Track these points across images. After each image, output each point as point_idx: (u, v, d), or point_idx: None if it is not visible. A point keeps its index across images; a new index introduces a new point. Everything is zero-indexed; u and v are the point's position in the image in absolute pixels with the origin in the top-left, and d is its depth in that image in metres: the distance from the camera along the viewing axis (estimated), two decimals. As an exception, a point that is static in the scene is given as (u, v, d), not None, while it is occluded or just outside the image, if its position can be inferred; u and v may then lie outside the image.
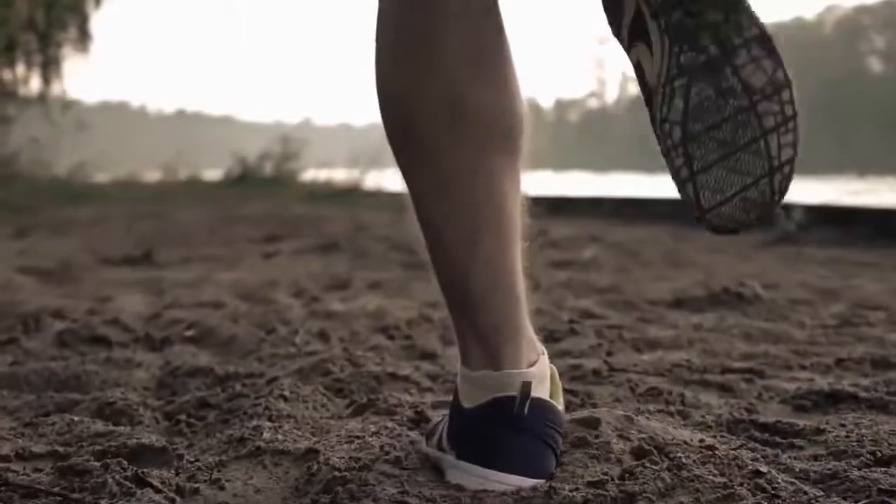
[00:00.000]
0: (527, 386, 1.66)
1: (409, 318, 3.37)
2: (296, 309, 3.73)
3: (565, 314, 3.46)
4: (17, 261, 5.99)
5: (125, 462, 1.71)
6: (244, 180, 18.86)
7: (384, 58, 1.70)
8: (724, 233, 1.63)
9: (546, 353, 1.77)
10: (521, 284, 1.75)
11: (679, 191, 1.64)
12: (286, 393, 2.19)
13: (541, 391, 1.69)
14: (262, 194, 15.55)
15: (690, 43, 1.60)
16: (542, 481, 1.63)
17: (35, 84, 22.44)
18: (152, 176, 22.02)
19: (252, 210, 12.21)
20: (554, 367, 1.79)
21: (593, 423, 1.86)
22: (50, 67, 22.34)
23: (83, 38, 22.82)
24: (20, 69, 22.42)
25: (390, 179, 15.65)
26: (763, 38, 1.60)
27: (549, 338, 3.00)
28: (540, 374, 1.70)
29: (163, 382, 2.54)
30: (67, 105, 22.08)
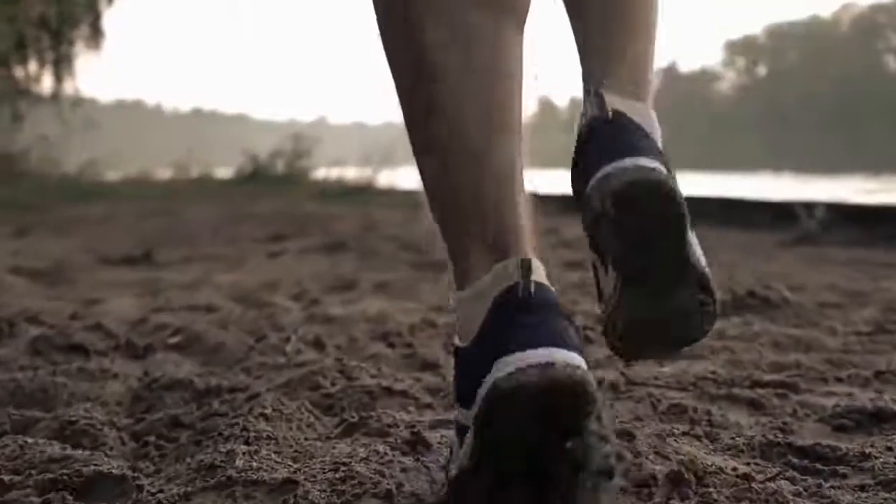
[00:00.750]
0: (527, 262, 1.48)
1: (412, 324, 3.13)
2: (293, 313, 3.50)
3: (578, 319, 3.22)
4: (11, 260, 5.78)
5: (70, 498, 1.49)
6: (255, 178, 18.67)
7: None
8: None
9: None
10: (524, 189, 1.61)
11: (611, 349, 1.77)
12: (268, 411, 1.96)
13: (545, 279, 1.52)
14: (273, 192, 15.35)
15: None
16: (579, 357, 1.40)
17: (47, 82, 22.34)
18: (164, 174, 21.89)
19: (261, 208, 12.00)
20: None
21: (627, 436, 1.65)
22: (62, 65, 22.20)
23: (96, 36, 22.69)
24: (32, 67, 22.34)
25: (403, 177, 15.49)
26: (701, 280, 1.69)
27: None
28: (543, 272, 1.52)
29: (138, 396, 2.31)
30: (77, 103, 21.97)
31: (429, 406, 2.16)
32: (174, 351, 2.84)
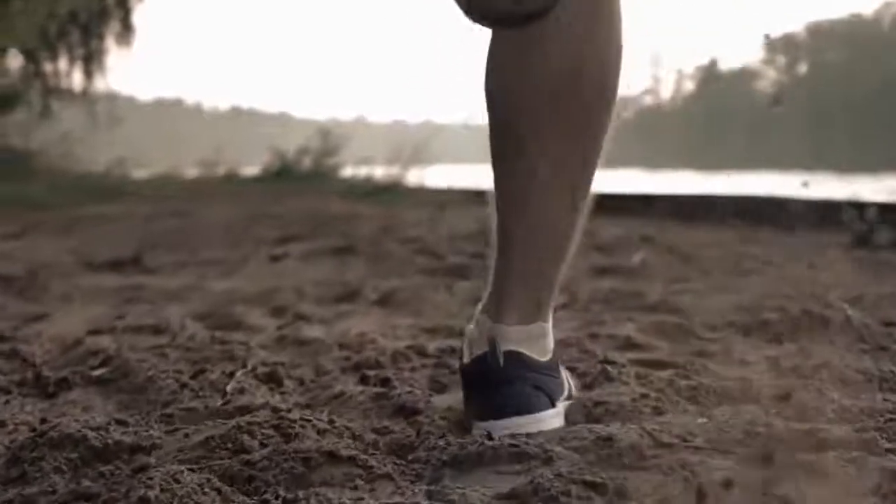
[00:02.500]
0: (491, 341, 1.85)
1: (397, 351, 2.57)
2: (262, 334, 2.96)
3: (600, 346, 2.65)
4: (-12, 264, 5.29)
5: None
6: (281, 176, 18.18)
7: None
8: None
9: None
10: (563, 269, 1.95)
11: None
12: (154, 492, 1.41)
13: (525, 348, 1.89)
14: (298, 191, 14.84)
15: None
16: (541, 414, 1.85)
17: (77, 78, 22.04)
18: (192, 172, 21.51)
19: (281, 208, 11.48)
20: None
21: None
22: (92, 61, 21.88)
23: (126, 31, 22.33)
24: (62, 63, 22.04)
25: (432, 175, 15.01)
26: None
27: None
28: (532, 335, 1.91)
29: (15, 458, 1.75)
30: (109, 99, 21.69)
31: (386, 477, 1.60)
32: (94, 387, 2.29)
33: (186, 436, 1.79)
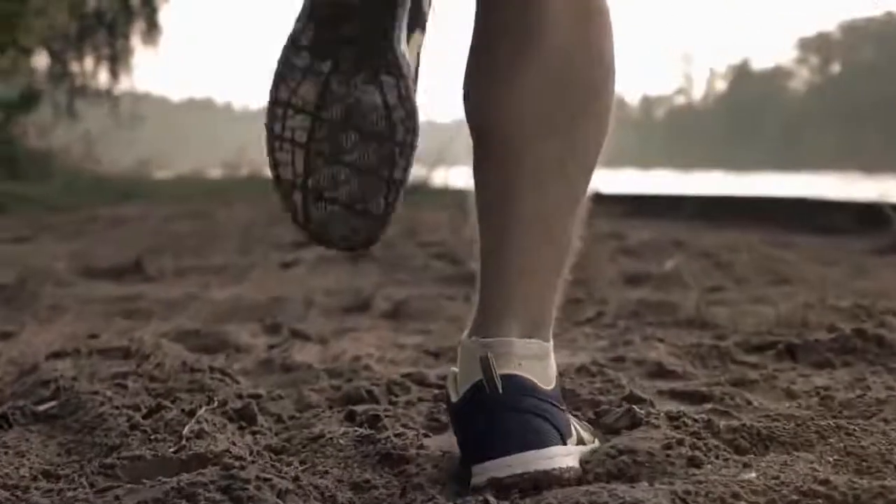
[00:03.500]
0: (485, 360, 1.59)
1: (392, 380, 2.23)
2: (251, 355, 2.64)
3: (625, 375, 2.31)
4: (-19, 270, 4.99)
5: None
6: (306, 177, 17.89)
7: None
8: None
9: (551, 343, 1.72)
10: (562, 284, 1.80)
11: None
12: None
13: (526, 371, 1.63)
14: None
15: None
16: (550, 450, 1.56)
17: (103, 78, 21.90)
18: (216, 173, 21.28)
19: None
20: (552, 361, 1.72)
21: None
22: (118, 61, 21.73)
23: (152, 31, 22.16)
24: (88, 62, 21.90)
25: (458, 176, 14.73)
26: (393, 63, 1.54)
27: (595, 423, 1.89)
28: (531, 353, 1.65)
29: None
30: (122, 99, 21.55)
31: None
32: (37, 425, 1.95)
33: (117, 498, 1.47)
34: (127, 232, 8.17)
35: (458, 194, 12.57)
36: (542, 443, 1.56)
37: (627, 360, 2.40)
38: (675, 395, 2.15)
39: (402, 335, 3.18)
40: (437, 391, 2.07)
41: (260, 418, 1.93)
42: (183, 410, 1.87)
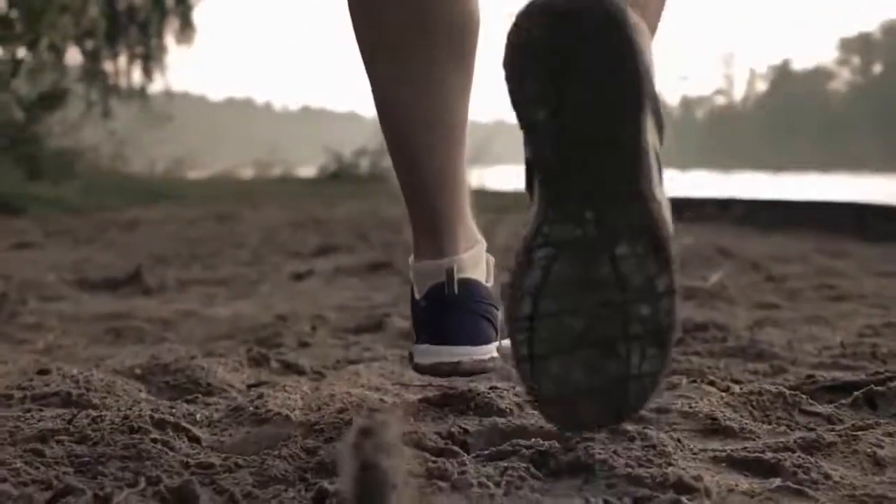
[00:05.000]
0: (450, 271, 1.93)
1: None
2: (223, 400, 2.20)
3: (671, 434, 1.85)
4: (-35, 282, 4.59)
5: None
6: (338, 178, 17.56)
7: None
8: (575, 429, 1.58)
9: (483, 241, 2.05)
10: (465, 188, 2.01)
11: (516, 368, 1.54)
12: None
13: (475, 273, 1.97)
14: (353, 194, 14.18)
15: (564, 210, 1.44)
16: (488, 346, 1.95)
17: (137, 77, 21.74)
18: (247, 173, 21.03)
19: (330, 212, 10.81)
20: (490, 257, 2.05)
21: None
22: (151, 59, 21.56)
23: (186, 29, 21.98)
24: (122, 61, 21.74)
25: (494, 177, 14.32)
26: (654, 237, 1.43)
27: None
28: (472, 260, 1.97)
29: None
30: (155, 98, 21.42)
31: None
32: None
33: None
34: (141, 237, 7.79)
35: (496, 196, 12.12)
36: (483, 340, 1.96)
37: (673, 412, 1.96)
38: (733, 463, 1.71)
39: (407, 370, 2.75)
40: (434, 462, 1.63)
41: (203, 500, 1.50)
42: (97, 496, 1.43)
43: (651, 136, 1.48)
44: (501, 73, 1.45)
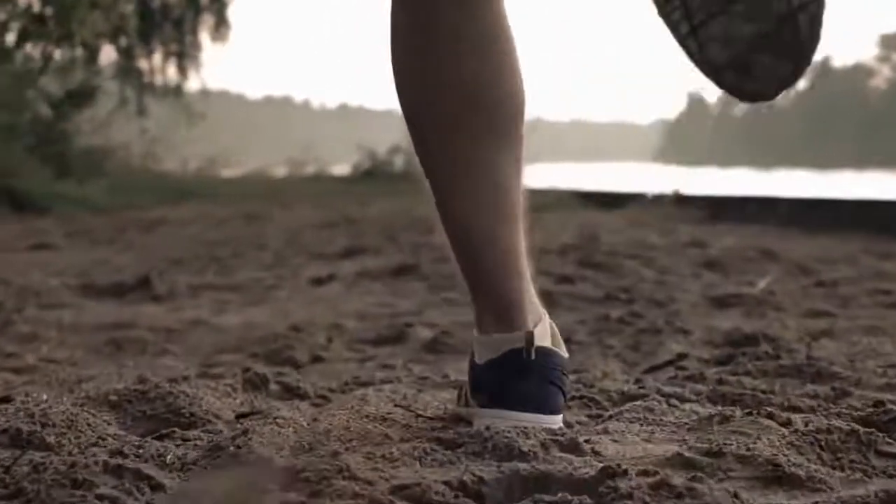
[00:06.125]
0: (530, 336, 1.86)
1: (375, 499, 1.48)
2: (206, 432, 1.91)
3: (725, 486, 1.52)
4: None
5: None
6: (371, 176, 17.30)
7: (395, 40, 1.85)
8: (755, 97, 1.56)
9: (547, 314, 1.94)
10: (525, 262, 1.93)
11: (683, 49, 1.56)
12: None
13: (544, 342, 1.89)
14: (387, 192, 13.90)
15: None
16: (558, 416, 1.88)
17: (172, 74, 21.57)
18: (282, 171, 20.82)
19: (361, 211, 10.53)
20: (554, 325, 1.96)
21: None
22: (186, 57, 21.40)
23: (220, 27, 21.78)
24: (157, 58, 21.57)
25: (531, 175, 14.09)
26: None
27: None
28: (542, 332, 1.90)
29: None
30: (204, 95, 21.32)
31: None
32: None
33: None
34: (162, 238, 7.54)
35: (530, 195, 11.76)
36: (554, 409, 1.88)
37: (728, 455, 1.65)
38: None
39: (429, 388, 2.44)
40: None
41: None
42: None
43: None
44: None
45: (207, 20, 21.53)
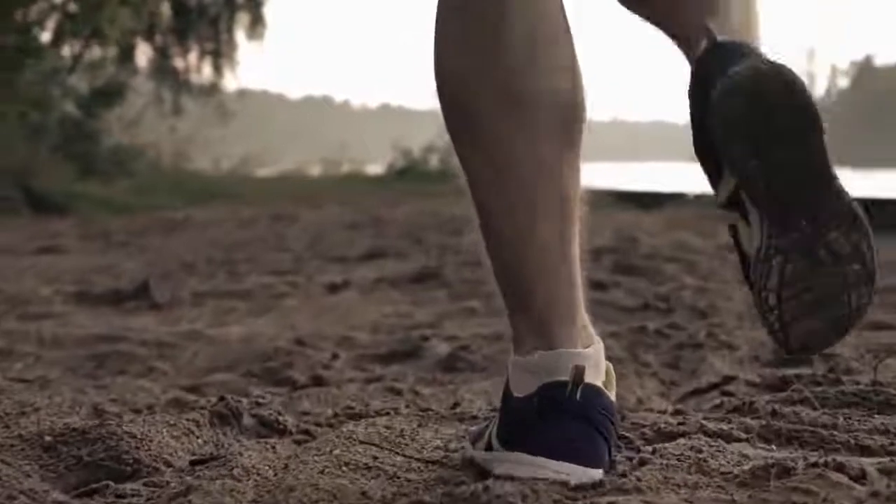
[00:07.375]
0: (580, 370, 1.64)
1: None
2: (154, 482, 1.57)
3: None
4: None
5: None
6: (406, 175, 17.02)
7: (446, 39, 1.73)
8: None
9: (602, 342, 1.72)
10: (577, 272, 1.74)
11: (768, 333, 1.69)
12: None
13: (593, 377, 1.67)
14: (421, 191, 13.60)
15: (785, 225, 1.64)
16: (597, 471, 1.60)
17: (208, 73, 21.47)
18: (315, 171, 20.63)
19: (392, 212, 10.20)
20: (609, 363, 1.74)
21: None
22: (222, 56, 21.29)
23: (256, 26, 21.65)
24: (192, 57, 21.46)
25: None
26: (851, 216, 1.65)
27: None
28: (594, 359, 1.69)
29: None
30: (241, 95, 21.22)
31: None
32: None
33: None
34: (178, 240, 7.24)
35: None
36: (595, 461, 1.63)
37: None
38: None
39: (431, 422, 2.08)
40: None
41: None
42: None
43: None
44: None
45: (243, 19, 21.42)
